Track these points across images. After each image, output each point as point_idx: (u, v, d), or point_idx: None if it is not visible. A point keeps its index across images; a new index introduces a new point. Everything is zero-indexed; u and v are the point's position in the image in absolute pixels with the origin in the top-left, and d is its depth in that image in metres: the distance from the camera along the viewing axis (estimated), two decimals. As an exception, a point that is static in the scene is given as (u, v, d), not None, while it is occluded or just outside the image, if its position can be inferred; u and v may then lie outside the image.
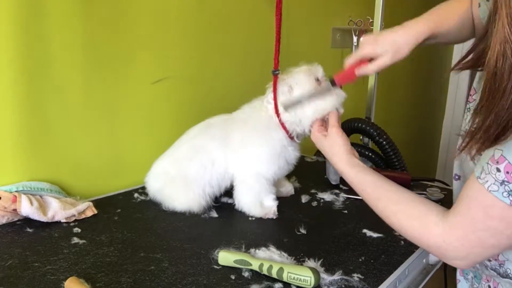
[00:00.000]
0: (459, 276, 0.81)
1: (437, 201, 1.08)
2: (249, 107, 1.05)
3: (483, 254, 0.60)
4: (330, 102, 0.91)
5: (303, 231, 0.92)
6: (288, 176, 1.15)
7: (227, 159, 1.01)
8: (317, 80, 0.96)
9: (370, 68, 0.81)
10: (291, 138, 1.00)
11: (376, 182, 0.72)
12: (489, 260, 0.69)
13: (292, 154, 1.02)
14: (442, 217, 0.61)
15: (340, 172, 0.80)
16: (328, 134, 0.84)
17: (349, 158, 0.78)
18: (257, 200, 1.00)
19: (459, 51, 2.88)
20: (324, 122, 0.90)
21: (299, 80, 0.96)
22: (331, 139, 0.83)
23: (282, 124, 0.98)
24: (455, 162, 0.75)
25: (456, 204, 0.61)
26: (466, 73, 2.89)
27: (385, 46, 0.78)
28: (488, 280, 0.72)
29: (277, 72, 0.95)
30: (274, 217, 0.98)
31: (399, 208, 0.67)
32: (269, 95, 0.99)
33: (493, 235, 0.57)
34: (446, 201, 1.11)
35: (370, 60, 0.81)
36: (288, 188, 1.15)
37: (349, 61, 0.84)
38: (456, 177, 0.74)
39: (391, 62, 0.79)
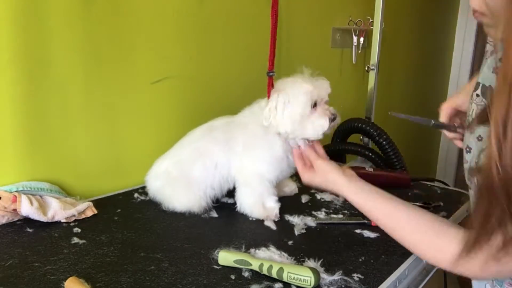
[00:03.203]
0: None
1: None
2: (249, 111, 1.04)
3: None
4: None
5: (303, 231, 0.92)
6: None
7: (230, 162, 1.01)
8: (314, 105, 0.93)
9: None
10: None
11: (388, 212, 0.72)
12: None
13: (292, 160, 0.99)
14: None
15: (348, 200, 0.79)
16: (316, 167, 0.85)
17: (347, 180, 0.78)
18: (259, 202, 1.00)
19: (459, 51, 2.89)
20: (303, 159, 0.90)
21: (295, 100, 0.93)
22: (321, 171, 0.84)
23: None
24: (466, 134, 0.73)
25: None
26: (466, 73, 2.89)
27: None
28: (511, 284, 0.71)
29: (271, 73, 0.94)
30: (276, 220, 0.98)
31: (415, 238, 0.69)
32: (270, 105, 0.96)
33: None
34: (446, 202, 1.11)
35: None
36: (292, 187, 1.15)
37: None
38: (468, 149, 0.72)
39: None
